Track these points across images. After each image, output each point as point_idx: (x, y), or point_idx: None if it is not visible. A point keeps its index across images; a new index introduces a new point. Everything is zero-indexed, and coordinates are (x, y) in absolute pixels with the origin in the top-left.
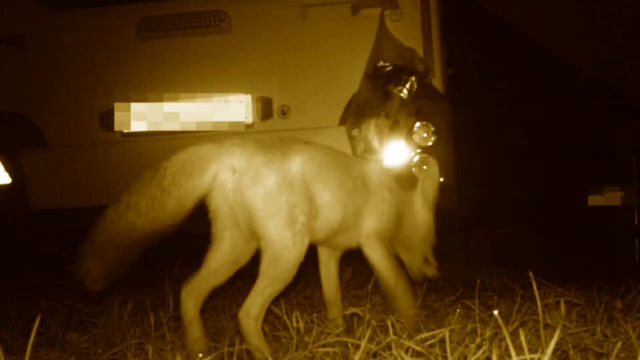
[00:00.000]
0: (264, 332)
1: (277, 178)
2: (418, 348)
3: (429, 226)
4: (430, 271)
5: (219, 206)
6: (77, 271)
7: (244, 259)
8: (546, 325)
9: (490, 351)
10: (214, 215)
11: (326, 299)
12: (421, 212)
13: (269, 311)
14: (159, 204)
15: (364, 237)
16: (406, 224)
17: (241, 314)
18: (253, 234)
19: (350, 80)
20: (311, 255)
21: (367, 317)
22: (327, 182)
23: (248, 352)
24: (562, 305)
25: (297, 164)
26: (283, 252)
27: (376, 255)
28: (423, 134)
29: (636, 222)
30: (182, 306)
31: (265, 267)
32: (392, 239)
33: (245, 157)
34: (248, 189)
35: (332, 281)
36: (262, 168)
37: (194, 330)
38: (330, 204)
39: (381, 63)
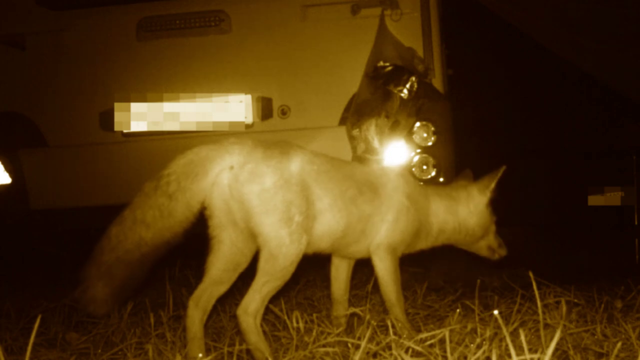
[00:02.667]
0: (264, 332)
1: (274, 175)
2: (418, 348)
3: (485, 225)
4: (499, 255)
5: (215, 202)
6: (81, 296)
7: (244, 261)
8: (546, 325)
9: (490, 351)
10: (210, 213)
11: (333, 297)
12: (477, 214)
13: (268, 311)
14: (168, 212)
15: (374, 246)
16: (449, 228)
17: (239, 311)
18: (250, 231)
19: (350, 80)
20: (311, 255)
21: (367, 317)
22: (326, 187)
23: (248, 351)
24: (563, 305)
25: (295, 163)
26: (280, 249)
27: (382, 267)
28: (423, 134)
29: (636, 222)
30: (187, 319)
31: (263, 264)
32: (411, 246)
33: (244, 154)
34: (245, 184)
35: (342, 282)
36: (259, 164)
37: (196, 346)
38: (330, 209)
39: (381, 63)
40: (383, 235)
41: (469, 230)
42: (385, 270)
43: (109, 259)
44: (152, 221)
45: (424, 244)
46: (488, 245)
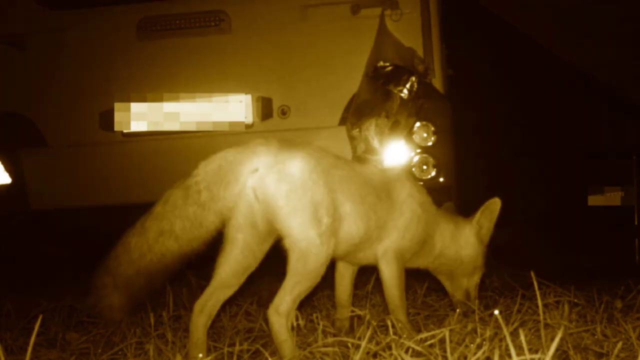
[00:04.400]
0: (263, 332)
1: (302, 175)
2: (418, 348)
3: (475, 263)
4: (465, 306)
5: (237, 205)
6: (96, 304)
7: (254, 264)
8: (546, 325)
9: (490, 351)
10: (229, 214)
11: (337, 301)
12: (469, 246)
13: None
14: (199, 222)
15: (382, 250)
16: (448, 254)
17: (271, 312)
18: (269, 234)
19: (350, 80)
20: None
21: (367, 317)
22: (348, 193)
23: (248, 351)
24: (566, 306)
25: (321, 166)
26: (311, 249)
27: (388, 272)
28: (423, 134)
29: (636, 222)
30: (191, 325)
31: (293, 264)
32: (412, 260)
33: (272, 154)
34: (271, 185)
35: (345, 288)
36: (288, 164)
37: (197, 350)
38: (350, 215)
39: (381, 63)
40: (392, 240)
41: (463, 261)
42: (391, 275)
43: (128, 272)
44: (182, 232)
45: (422, 261)
46: (467, 288)
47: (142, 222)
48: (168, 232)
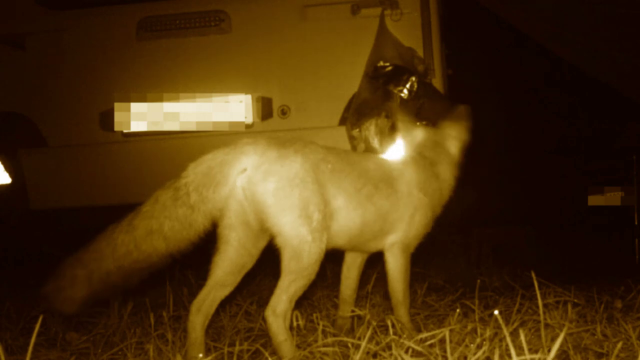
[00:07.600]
0: (262, 331)
1: (289, 173)
2: (418, 348)
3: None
4: None
5: (230, 205)
6: (54, 294)
7: (250, 262)
8: (546, 326)
9: (490, 351)
10: (221, 214)
11: (341, 297)
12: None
13: None
14: (188, 223)
15: (389, 243)
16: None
17: (268, 312)
18: (263, 232)
19: (350, 80)
20: (328, 251)
21: (367, 317)
22: (340, 185)
23: (248, 351)
24: (568, 306)
25: (309, 162)
26: (303, 246)
27: (395, 265)
28: None
29: (636, 222)
30: (189, 325)
31: (287, 263)
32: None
33: (259, 154)
34: (259, 184)
35: (352, 282)
36: (274, 163)
37: (196, 350)
38: (344, 207)
39: (381, 63)
40: (400, 233)
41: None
42: (397, 268)
43: (110, 267)
44: (171, 233)
45: (440, 206)
46: None
47: (130, 220)
48: (157, 231)
